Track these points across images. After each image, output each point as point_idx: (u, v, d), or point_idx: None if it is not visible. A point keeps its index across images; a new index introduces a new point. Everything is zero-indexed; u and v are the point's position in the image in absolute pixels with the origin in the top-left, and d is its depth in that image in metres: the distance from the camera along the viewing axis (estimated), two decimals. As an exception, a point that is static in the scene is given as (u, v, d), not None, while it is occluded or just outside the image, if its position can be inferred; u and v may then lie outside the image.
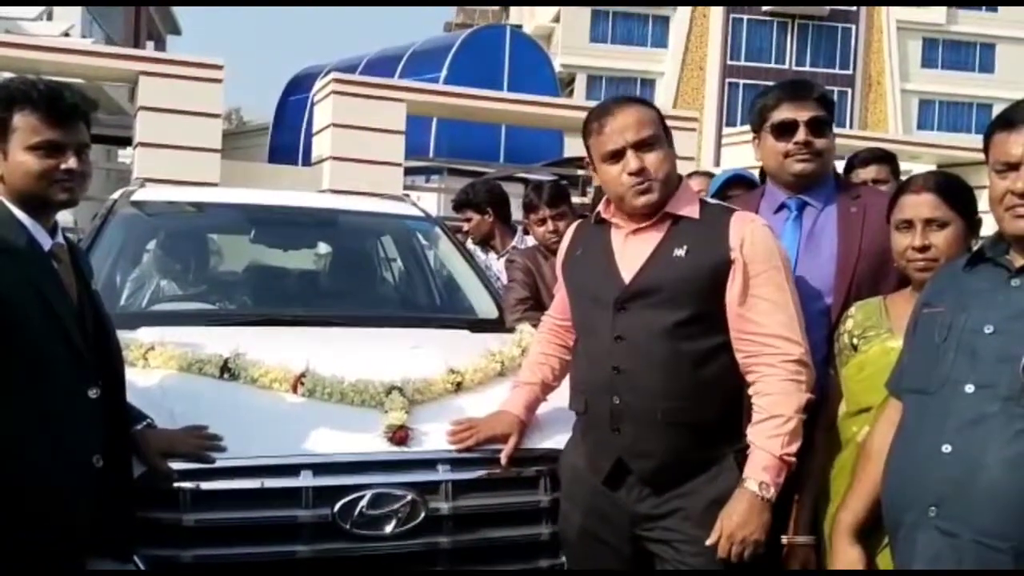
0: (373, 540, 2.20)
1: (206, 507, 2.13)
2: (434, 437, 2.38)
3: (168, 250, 3.86)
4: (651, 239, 2.17)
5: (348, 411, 2.42)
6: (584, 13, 34.76)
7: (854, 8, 35.13)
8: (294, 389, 2.47)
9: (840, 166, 3.43)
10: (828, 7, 34.87)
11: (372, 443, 2.32)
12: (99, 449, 1.92)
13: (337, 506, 2.17)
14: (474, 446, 2.36)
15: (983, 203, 1.93)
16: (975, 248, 1.90)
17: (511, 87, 14.59)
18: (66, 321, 1.89)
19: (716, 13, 34.73)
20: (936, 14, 35.56)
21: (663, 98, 33.36)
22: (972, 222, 2.13)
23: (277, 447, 2.26)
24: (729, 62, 34.78)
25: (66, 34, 14.25)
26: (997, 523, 1.62)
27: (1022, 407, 1.64)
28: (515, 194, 5.02)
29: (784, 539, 2.22)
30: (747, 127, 2.62)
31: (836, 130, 2.53)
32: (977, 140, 1.85)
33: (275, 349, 2.61)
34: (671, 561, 2.12)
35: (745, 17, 35.05)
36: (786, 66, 34.74)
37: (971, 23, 36.32)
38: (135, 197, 3.77)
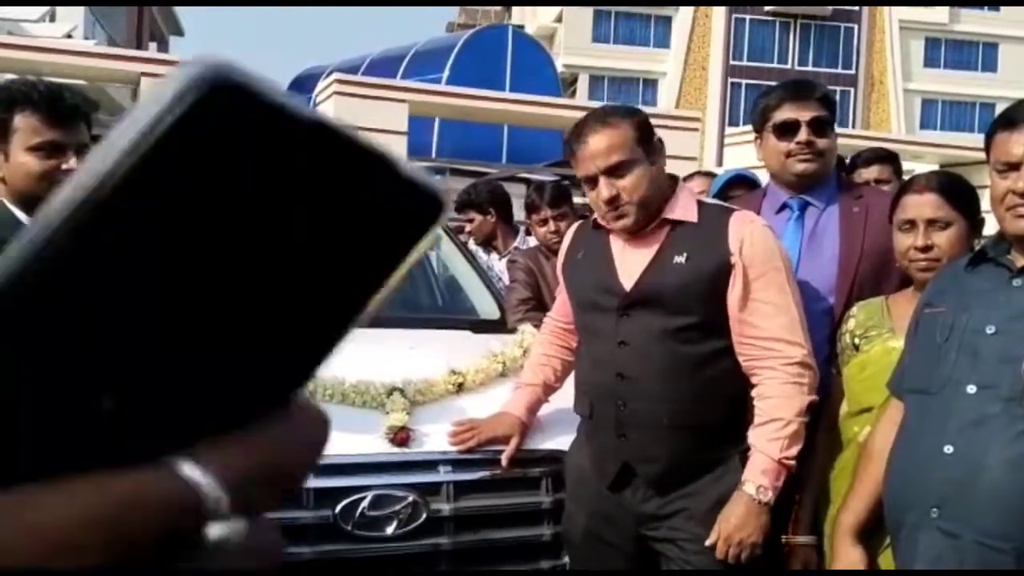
0: (374, 541, 2.20)
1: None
2: (435, 438, 2.38)
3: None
4: (650, 245, 2.16)
5: (349, 412, 2.41)
6: (586, 13, 34.76)
7: (856, 8, 35.10)
8: (295, 390, 2.47)
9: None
10: (830, 7, 34.84)
11: (373, 444, 2.32)
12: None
13: (338, 507, 2.17)
14: (475, 447, 2.36)
15: (986, 203, 1.92)
16: (976, 248, 1.90)
17: (513, 87, 14.60)
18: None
19: (718, 13, 34.72)
20: (939, 14, 35.52)
21: (666, 98, 33.37)
22: (975, 222, 2.13)
23: (278, 448, 2.25)
24: (731, 62, 34.76)
25: (68, 35, 14.29)
26: (999, 524, 1.62)
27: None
28: (517, 194, 5.01)
29: (785, 539, 2.22)
30: (749, 127, 2.61)
31: (839, 130, 2.52)
32: (980, 140, 1.85)
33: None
34: (676, 560, 2.12)
35: (747, 17, 35.04)
36: (788, 66, 34.71)
37: (974, 22, 36.28)
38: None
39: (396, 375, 2.51)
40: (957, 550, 1.67)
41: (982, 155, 1.88)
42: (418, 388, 2.50)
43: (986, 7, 35.96)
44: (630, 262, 2.17)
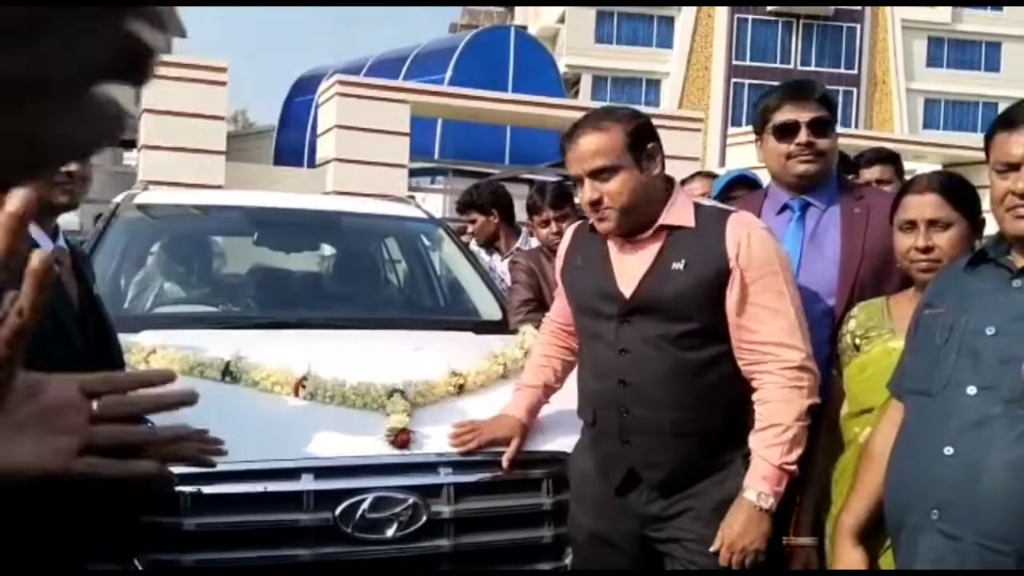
0: (375, 544, 2.20)
1: (207, 511, 2.12)
2: (436, 440, 2.37)
3: (171, 253, 3.87)
4: (648, 251, 2.15)
5: (350, 414, 2.42)
6: (589, 14, 34.76)
7: (859, 8, 35.07)
8: (296, 392, 2.47)
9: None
10: (833, 7, 34.82)
11: (374, 446, 2.32)
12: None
13: (339, 510, 2.17)
14: (476, 449, 2.35)
15: (987, 203, 1.92)
16: (976, 249, 1.89)
17: (516, 88, 14.57)
18: (67, 325, 1.89)
19: (721, 13, 34.70)
20: (941, 13, 35.48)
21: (668, 98, 33.36)
22: (976, 222, 2.12)
23: (278, 451, 2.26)
24: (734, 62, 34.75)
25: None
26: (1000, 526, 1.61)
27: (1024, 409, 1.63)
28: (520, 195, 5.01)
29: (785, 540, 2.22)
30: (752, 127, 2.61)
31: (841, 130, 2.52)
32: (983, 140, 1.84)
33: (277, 352, 2.61)
34: (680, 560, 2.12)
35: (750, 17, 35.02)
36: (791, 66, 34.70)
37: (976, 22, 36.23)
38: (139, 200, 3.77)
39: (397, 377, 2.51)
40: (958, 552, 1.66)
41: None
42: (419, 390, 2.50)
43: (989, 7, 35.91)
44: (628, 268, 2.16)
